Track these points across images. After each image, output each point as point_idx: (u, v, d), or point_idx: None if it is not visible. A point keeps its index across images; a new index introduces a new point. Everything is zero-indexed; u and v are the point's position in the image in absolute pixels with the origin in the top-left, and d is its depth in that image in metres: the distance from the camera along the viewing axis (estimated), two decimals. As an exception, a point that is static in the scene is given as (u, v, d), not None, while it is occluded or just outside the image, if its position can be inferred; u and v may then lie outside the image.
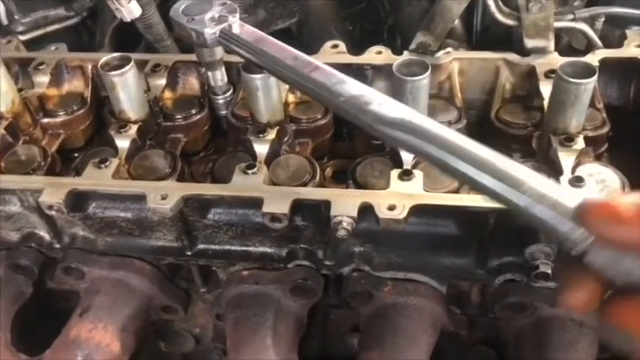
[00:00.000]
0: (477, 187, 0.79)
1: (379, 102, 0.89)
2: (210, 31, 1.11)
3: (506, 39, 1.59)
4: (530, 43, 1.42)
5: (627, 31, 1.46)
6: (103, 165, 1.26)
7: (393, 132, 0.86)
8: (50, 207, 1.20)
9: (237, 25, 1.11)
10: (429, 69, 1.22)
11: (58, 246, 1.36)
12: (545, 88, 1.33)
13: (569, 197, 0.73)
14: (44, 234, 1.36)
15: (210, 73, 1.45)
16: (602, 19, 1.54)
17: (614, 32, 1.61)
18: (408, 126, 0.85)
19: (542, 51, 1.42)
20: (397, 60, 1.26)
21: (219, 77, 1.46)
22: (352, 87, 0.93)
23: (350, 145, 1.49)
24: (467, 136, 0.82)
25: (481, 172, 0.77)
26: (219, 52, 1.39)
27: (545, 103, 1.30)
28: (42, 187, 1.22)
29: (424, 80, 1.22)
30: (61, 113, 1.49)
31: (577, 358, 1.18)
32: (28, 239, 1.36)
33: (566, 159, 1.20)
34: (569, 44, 1.69)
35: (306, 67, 0.99)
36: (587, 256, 0.72)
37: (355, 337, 1.36)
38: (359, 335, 1.32)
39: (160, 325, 1.58)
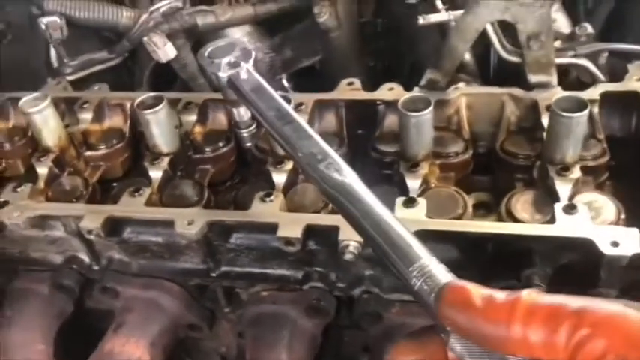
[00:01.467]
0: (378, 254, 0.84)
1: (329, 162, 0.94)
2: (223, 75, 1.17)
3: (519, 75, 1.67)
4: (533, 78, 1.50)
5: (629, 65, 1.53)
6: (137, 194, 1.40)
7: (334, 193, 0.91)
8: (90, 232, 1.34)
9: (244, 71, 1.16)
10: (432, 105, 1.32)
11: (96, 268, 1.50)
12: (547, 121, 1.41)
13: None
14: (84, 257, 1.50)
15: (234, 110, 1.56)
16: (605, 54, 1.61)
17: (621, 65, 1.68)
18: (347, 191, 0.90)
19: (545, 85, 1.50)
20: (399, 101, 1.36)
21: (242, 113, 1.57)
22: (313, 145, 0.98)
23: (363, 177, 1.58)
24: (391, 214, 0.87)
25: (386, 247, 0.82)
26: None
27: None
28: (83, 214, 1.36)
29: (427, 115, 1.32)
30: (102, 147, 1.64)
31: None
32: (70, 261, 1.50)
33: (562, 187, 1.28)
34: (577, 78, 1.77)
35: (282, 119, 1.05)
36: (449, 341, 0.71)
37: (366, 357, 1.44)
38: (369, 355, 1.40)
39: (188, 344, 1.69)
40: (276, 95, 1.11)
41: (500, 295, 0.68)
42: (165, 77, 2.21)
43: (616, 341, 0.61)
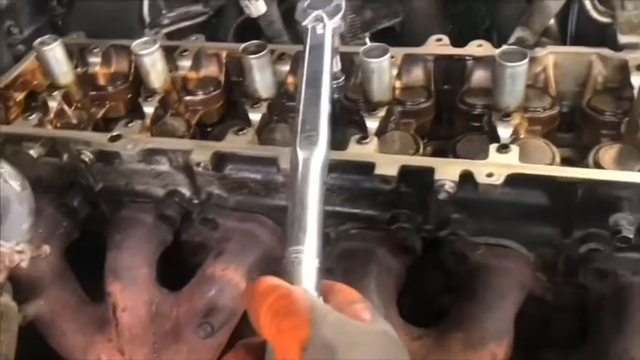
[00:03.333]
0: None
1: (311, 135, 1.00)
2: (303, 23, 1.24)
3: (598, 40, 1.70)
4: (623, 39, 1.53)
5: None
6: (240, 132, 1.50)
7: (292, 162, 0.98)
8: (198, 164, 1.45)
9: (321, 27, 1.21)
10: (528, 57, 1.37)
11: (196, 202, 1.62)
12: (637, 80, 1.45)
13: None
14: (185, 191, 1.62)
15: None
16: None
17: None
18: (300, 165, 0.96)
19: (635, 47, 1.53)
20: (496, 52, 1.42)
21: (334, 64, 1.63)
22: (312, 113, 1.04)
23: (449, 129, 1.66)
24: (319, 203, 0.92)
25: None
26: (335, 41, 1.50)
27: (636, 92, 1.42)
28: (192, 148, 1.47)
29: (523, 66, 1.37)
30: (200, 93, 1.76)
31: (656, 322, 1.29)
32: (172, 195, 1.62)
33: (653, 140, 1.32)
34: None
35: (311, 82, 1.10)
36: None
37: (447, 297, 1.52)
38: (452, 294, 1.48)
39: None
40: (327, 60, 1.15)
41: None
42: (248, 36, 2.30)
43: None
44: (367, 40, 2.14)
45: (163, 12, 2.05)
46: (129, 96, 1.84)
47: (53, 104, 1.74)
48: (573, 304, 1.48)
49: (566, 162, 1.51)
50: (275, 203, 1.55)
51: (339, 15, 1.26)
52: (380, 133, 1.52)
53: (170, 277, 1.68)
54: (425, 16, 2.19)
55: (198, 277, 1.53)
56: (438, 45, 1.67)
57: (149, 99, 1.68)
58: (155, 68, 1.67)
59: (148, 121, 1.65)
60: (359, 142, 1.43)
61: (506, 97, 1.43)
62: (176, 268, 1.74)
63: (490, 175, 1.26)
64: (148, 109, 1.67)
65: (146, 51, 1.64)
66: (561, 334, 1.53)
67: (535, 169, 1.28)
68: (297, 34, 2.45)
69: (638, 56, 1.50)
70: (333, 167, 1.43)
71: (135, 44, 1.66)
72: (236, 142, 1.48)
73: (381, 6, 2.22)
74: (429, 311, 1.57)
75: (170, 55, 1.82)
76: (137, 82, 1.82)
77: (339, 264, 1.50)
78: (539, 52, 1.58)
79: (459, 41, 1.70)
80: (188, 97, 1.75)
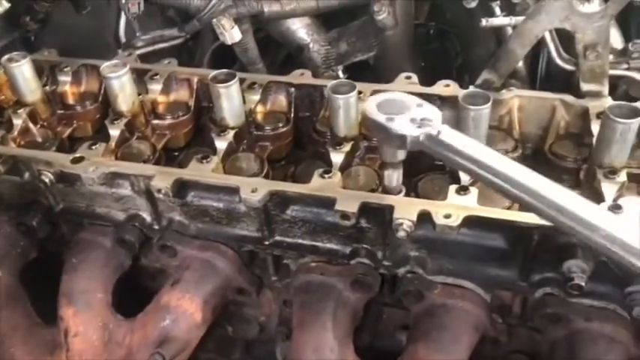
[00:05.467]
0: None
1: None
2: (414, 134, 1.10)
3: (565, 85, 1.74)
4: (585, 87, 1.57)
5: (680, 82, 1.59)
6: (204, 160, 1.49)
7: None
8: (159, 190, 1.44)
9: (446, 130, 1.11)
10: (491, 100, 1.40)
11: (156, 227, 1.60)
12: (596, 128, 1.48)
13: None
14: (146, 216, 1.60)
15: (386, 172, 1.36)
16: (657, 70, 1.68)
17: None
18: None
19: (596, 95, 1.57)
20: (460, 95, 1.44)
21: (394, 178, 1.37)
22: (613, 220, 0.99)
23: (414, 167, 1.66)
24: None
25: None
26: (402, 153, 1.29)
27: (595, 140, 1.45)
28: (154, 173, 1.46)
29: (485, 110, 1.40)
30: (169, 117, 1.75)
31: (605, 368, 1.30)
32: (133, 219, 1.61)
33: (608, 189, 1.35)
34: (626, 92, 1.83)
35: (547, 188, 1.03)
36: None
37: (404, 334, 1.52)
38: (408, 332, 1.48)
39: (230, 311, 1.78)
40: (492, 150, 1.09)
41: None
42: (224, 60, 2.32)
43: None
44: (340, 72, 2.16)
45: (137, 34, 2.05)
46: (97, 116, 1.83)
47: (18, 122, 1.72)
48: (528, 347, 1.49)
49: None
50: (236, 232, 1.54)
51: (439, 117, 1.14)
52: (345, 167, 1.52)
53: (131, 301, 1.65)
54: (399, 51, 2.23)
55: (153, 305, 1.52)
56: (407, 83, 1.69)
57: (115, 121, 1.67)
58: (123, 91, 1.66)
59: (113, 144, 1.64)
60: (322, 176, 1.43)
61: (468, 139, 1.45)
62: (137, 292, 1.72)
63: (448, 216, 1.27)
64: (114, 132, 1.65)
65: (115, 74, 1.63)
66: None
67: (492, 212, 1.29)
68: (273, 62, 2.49)
69: (599, 104, 1.54)
70: (295, 200, 1.45)
71: (104, 67, 1.65)
72: (199, 170, 1.48)
73: (356, 40, 2.26)
74: (387, 348, 1.57)
75: (141, 78, 1.82)
76: (107, 103, 1.80)
77: (297, 297, 1.50)
78: (505, 95, 1.61)
79: (433, 76, 1.72)
80: (156, 121, 1.74)
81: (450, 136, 1.10)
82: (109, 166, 1.50)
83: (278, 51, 2.58)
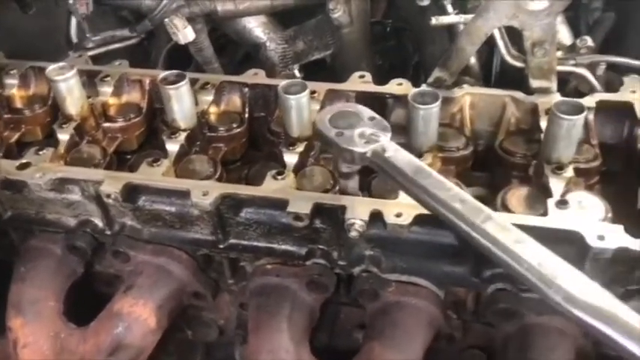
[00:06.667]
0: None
1: (567, 277, 0.91)
2: (361, 150, 1.12)
3: (518, 82, 1.76)
4: (534, 83, 1.59)
5: (625, 78, 1.62)
6: (155, 164, 1.47)
7: (580, 314, 0.88)
8: (108, 195, 1.42)
9: (390, 148, 1.11)
10: (440, 99, 1.41)
11: (109, 233, 1.57)
12: (545, 124, 1.51)
13: None
14: (98, 221, 1.57)
15: (342, 181, 1.39)
16: (604, 65, 1.71)
17: (618, 79, 1.77)
18: (597, 311, 0.88)
19: (545, 91, 1.59)
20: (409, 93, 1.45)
21: (349, 186, 1.38)
22: (534, 251, 0.94)
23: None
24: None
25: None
26: (356, 166, 1.31)
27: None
28: (103, 178, 1.43)
29: (435, 108, 1.41)
30: (120, 120, 1.71)
31: (556, 361, 1.33)
32: (84, 225, 1.57)
33: (556, 185, 1.37)
34: (575, 88, 1.86)
35: (477, 215, 0.99)
36: None
37: (360, 333, 1.52)
38: (364, 330, 1.48)
39: (188, 315, 1.76)
40: (432, 171, 1.08)
41: None
42: (179, 60, 2.29)
43: None
44: (296, 71, 2.15)
45: (88, 35, 2.01)
46: (47, 120, 1.78)
47: (-39, 128, 1.67)
48: (483, 343, 1.51)
49: (478, 201, 1.54)
50: (190, 236, 1.52)
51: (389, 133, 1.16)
52: (299, 168, 1.51)
53: (88, 309, 1.62)
54: (355, 50, 2.22)
55: (105, 313, 1.49)
56: (361, 82, 1.69)
57: (64, 125, 1.63)
58: (71, 94, 1.62)
59: (61, 149, 1.60)
60: (275, 177, 1.42)
61: (419, 138, 1.46)
62: (95, 300, 1.69)
63: (399, 215, 1.28)
64: (63, 137, 1.61)
65: (62, 77, 1.59)
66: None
67: (442, 210, 1.30)
68: (229, 61, 2.46)
69: (548, 100, 1.56)
70: (249, 202, 1.43)
71: (50, 69, 1.61)
72: (149, 174, 1.45)
73: (313, 38, 2.25)
74: (344, 347, 1.57)
75: (91, 80, 1.78)
76: (57, 106, 1.76)
77: (252, 299, 1.49)
78: (456, 92, 1.62)
79: (390, 76, 1.73)
80: (107, 124, 1.71)
81: (394, 155, 1.11)
82: (56, 172, 1.47)
83: (236, 50, 2.56)
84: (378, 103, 1.67)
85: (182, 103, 1.57)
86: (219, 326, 1.79)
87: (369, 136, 1.14)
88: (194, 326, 1.81)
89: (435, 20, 1.72)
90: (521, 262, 0.95)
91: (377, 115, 1.24)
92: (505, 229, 0.99)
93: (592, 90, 1.68)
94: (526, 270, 0.94)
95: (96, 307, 1.58)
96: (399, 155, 1.12)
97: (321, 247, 1.46)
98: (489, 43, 1.83)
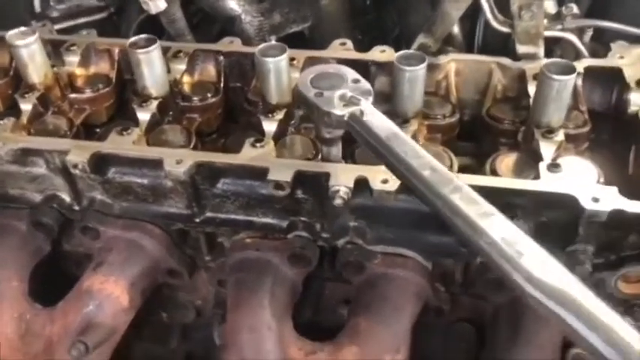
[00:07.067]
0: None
1: (532, 255, 0.82)
2: (339, 113, 1.07)
3: (504, 50, 1.72)
4: (521, 49, 1.54)
5: (612, 44, 1.58)
6: (125, 132, 1.38)
7: (542, 297, 0.80)
8: (75, 166, 1.32)
9: (369, 112, 1.06)
10: (426, 61, 1.34)
11: (77, 208, 1.47)
12: (533, 90, 1.45)
13: None
14: (65, 196, 1.47)
15: (325, 148, 1.32)
16: (590, 31, 1.67)
17: (602, 49, 1.74)
18: (563, 298, 0.79)
19: (532, 57, 1.54)
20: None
21: (332, 153, 1.31)
22: (500, 226, 0.86)
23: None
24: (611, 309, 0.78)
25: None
26: (338, 130, 1.24)
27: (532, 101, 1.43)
28: (69, 148, 1.34)
29: (421, 71, 1.34)
30: (88, 91, 1.62)
31: (548, 332, 1.28)
32: (50, 200, 1.47)
33: (547, 149, 1.32)
34: (561, 57, 1.82)
35: (445, 184, 0.93)
36: None
37: (345, 309, 1.46)
38: (349, 305, 1.42)
39: (163, 296, 1.68)
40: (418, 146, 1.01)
41: None
42: (151, 33, 2.18)
43: None
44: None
45: (52, 3, 1.90)
46: (9, 92, 1.67)
47: None
48: (472, 315, 1.46)
49: (465, 170, 1.49)
50: (164, 210, 1.44)
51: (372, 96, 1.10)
52: (279, 136, 1.44)
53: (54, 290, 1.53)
54: (334, 22, 2.15)
55: (74, 291, 1.40)
56: (342, 49, 1.62)
57: (26, 95, 1.53)
58: (33, 61, 1.52)
59: (24, 119, 1.50)
60: (253, 145, 1.35)
61: (405, 103, 1.40)
62: (60, 281, 1.59)
63: (385, 181, 1.22)
64: (25, 106, 1.52)
65: (23, 42, 1.49)
66: (460, 345, 1.50)
67: (430, 175, 1.24)
68: (203, 34, 2.37)
69: (535, 66, 1.51)
70: (226, 172, 1.35)
71: (10, 34, 1.50)
72: (119, 143, 1.36)
73: (289, 10, 2.17)
74: (329, 322, 1.50)
75: (57, 49, 1.68)
76: (19, 77, 1.65)
77: (232, 275, 1.41)
78: (442, 59, 1.56)
79: (371, 47, 1.66)
80: (73, 95, 1.61)
81: (371, 119, 1.05)
82: (17, 142, 1.37)
83: (211, 27, 2.46)
84: (360, 71, 1.60)
85: (153, 68, 1.48)
86: (196, 307, 1.71)
87: (350, 99, 1.08)
88: (169, 308, 1.73)
89: (418, -16, 1.66)
90: (484, 236, 0.87)
91: (361, 78, 1.17)
92: (473, 201, 0.92)
93: (579, 56, 1.64)
94: (488, 245, 0.86)
95: (65, 289, 1.49)
96: (375, 119, 1.06)
97: (303, 218, 1.39)
98: (472, 13, 1.78)
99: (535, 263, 0.82)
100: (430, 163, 0.98)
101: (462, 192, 0.93)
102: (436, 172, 0.97)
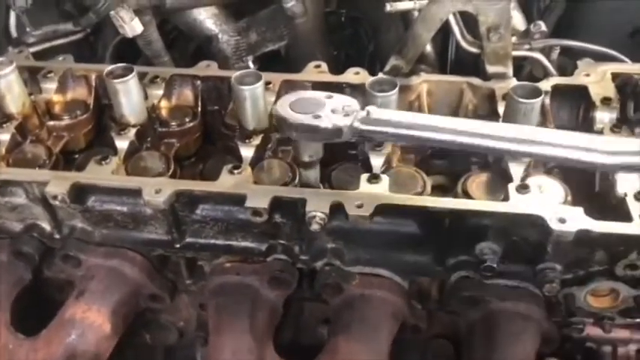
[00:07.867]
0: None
1: None
2: (349, 124, 1.10)
3: (475, 68, 1.76)
4: (491, 69, 1.58)
5: (578, 62, 1.63)
6: (104, 162, 1.40)
7: None
8: (55, 197, 1.34)
9: (373, 110, 1.12)
10: (397, 86, 1.38)
11: (57, 236, 1.49)
12: (502, 110, 1.50)
13: None
14: (45, 225, 1.48)
15: (304, 172, 1.38)
16: (558, 50, 1.72)
17: (570, 63, 1.79)
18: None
19: (501, 76, 1.59)
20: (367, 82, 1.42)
21: (312, 176, 1.38)
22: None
23: (329, 156, 1.63)
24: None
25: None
26: (319, 152, 1.33)
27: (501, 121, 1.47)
28: (48, 179, 1.35)
29: (393, 96, 1.38)
30: (66, 117, 1.63)
31: (521, 347, 1.32)
32: (31, 229, 1.48)
33: (515, 169, 1.36)
34: (530, 72, 1.87)
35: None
36: None
37: (325, 328, 1.49)
38: (329, 325, 1.45)
39: (147, 319, 1.70)
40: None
41: None
42: (128, 54, 2.20)
43: None
44: (250, 63, 2.10)
45: (28, 29, 1.90)
46: (-14, 121, 1.68)
47: None
48: (448, 332, 1.49)
49: (439, 189, 1.53)
50: (144, 237, 1.46)
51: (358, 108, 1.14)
52: (256, 161, 1.47)
53: (37, 318, 1.53)
54: (310, 40, 2.18)
55: (56, 320, 1.41)
56: (317, 72, 1.65)
57: (4, 125, 1.53)
58: (11, 92, 1.53)
59: (2, 149, 1.51)
60: (231, 171, 1.37)
61: (378, 126, 1.43)
62: (43, 306, 1.60)
63: (360, 206, 1.25)
64: (3, 136, 1.52)
65: (0, 72, 1.49)
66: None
67: (403, 199, 1.28)
68: (181, 54, 2.39)
69: (505, 85, 1.55)
70: (204, 199, 1.38)
71: (-14, 65, 1.51)
72: (98, 173, 1.38)
73: (266, 29, 2.20)
74: (309, 343, 1.53)
75: (34, 76, 1.69)
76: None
77: (212, 300, 1.43)
78: (414, 80, 1.60)
79: (346, 64, 1.70)
80: (52, 122, 1.62)
81: (381, 113, 1.10)
82: (-4, 174, 1.38)
83: (187, 44, 2.48)
84: (335, 92, 1.64)
85: (130, 97, 1.50)
86: (178, 328, 1.73)
87: (344, 109, 1.11)
88: (152, 330, 1.74)
89: (389, 6, 1.69)
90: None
91: (332, 93, 1.21)
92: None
93: (547, 74, 1.69)
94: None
95: (48, 316, 1.50)
96: (385, 112, 1.11)
97: (281, 242, 1.41)
98: (445, 31, 1.82)
99: None
100: (460, 121, 1.12)
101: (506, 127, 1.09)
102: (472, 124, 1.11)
